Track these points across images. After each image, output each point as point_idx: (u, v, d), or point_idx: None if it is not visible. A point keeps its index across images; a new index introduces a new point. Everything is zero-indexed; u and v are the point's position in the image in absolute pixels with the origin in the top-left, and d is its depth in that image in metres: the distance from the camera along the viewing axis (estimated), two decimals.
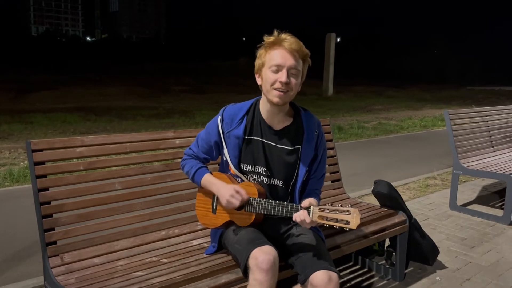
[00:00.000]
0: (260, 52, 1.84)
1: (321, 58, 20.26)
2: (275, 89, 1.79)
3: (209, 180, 1.93)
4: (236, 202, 1.82)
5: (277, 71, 1.78)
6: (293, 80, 1.79)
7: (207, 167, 2.01)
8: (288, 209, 1.78)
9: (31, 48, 50.36)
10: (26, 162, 5.97)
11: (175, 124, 10.72)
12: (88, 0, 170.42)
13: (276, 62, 1.77)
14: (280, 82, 1.76)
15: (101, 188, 2.11)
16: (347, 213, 1.64)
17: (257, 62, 1.85)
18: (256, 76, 1.89)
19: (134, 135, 2.30)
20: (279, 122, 1.92)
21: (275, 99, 1.80)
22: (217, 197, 1.97)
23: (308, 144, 1.94)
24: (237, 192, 1.82)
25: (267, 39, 1.81)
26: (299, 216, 1.72)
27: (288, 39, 1.77)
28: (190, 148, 2.06)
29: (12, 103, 14.86)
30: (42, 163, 1.97)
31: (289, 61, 1.77)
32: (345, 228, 1.65)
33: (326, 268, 1.74)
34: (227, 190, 1.83)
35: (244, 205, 1.87)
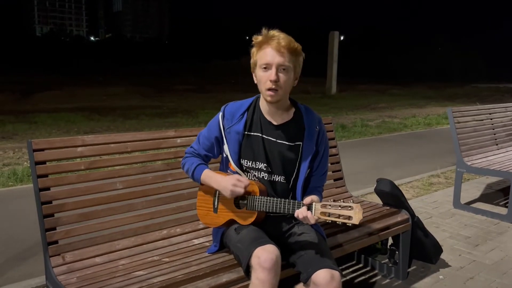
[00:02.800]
0: (252, 51, 1.86)
1: (324, 56, 20.21)
2: (266, 88, 1.81)
3: (208, 175, 1.93)
4: (240, 190, 1.82)
5: (266, 70, 1.80)
6: (282, 77, 1.80)
7: (206, 164, 2.01)
8: (290, 206, 1.77)
9: (35, 48, 50.54)
10: (29, 161, 5.98)
11: (179, 123, 10.73)
12: (91, 0, 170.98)
13: (265, 60, 1.79)
14: (270, 80, 1.78)
15: (102, 188, 2.11)
16: (349, 208, 1.64)
17: (251, 62, 1.88)
18: (253, 75, 1.90)
19: (135, 134, 2.30)
20: (279, 118, 1.93)
21: (268, 98, 1.83)
22: (218, 196, 1.97)
23: (309, 141, 1.94)
24: (238, 180, 1.82)
25: (256, 38, 1.83)
26: (301, 212, 1.72)
27: (276, 36, 1.78)
28: (191, 146, 2.06)
29: (17, 103, 14.92)
30: (43, 162, 1.97)
31: (277, 58, 1.78)
32: (347, 224, 1.64)
33: (328, 266, 1.73)
34: (228, 181, 1.84)
35: (246, 202, 1.87)
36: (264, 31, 1.82)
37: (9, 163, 6.13)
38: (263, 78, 1.81)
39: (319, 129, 1.97)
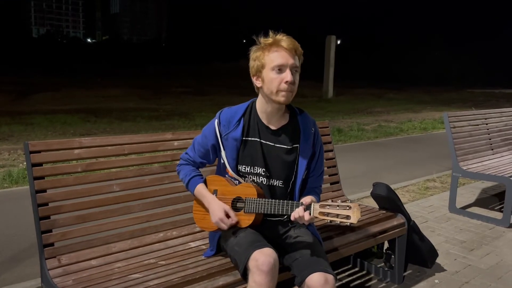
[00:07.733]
0: (257, 54, 1.85)
1: (321, 60, 20.25)
2: (281, 89, 1.80)
3: (201, 193, 1.95)
4: (224, 227, 1.87)
5: (280, 72, 1.80)
6: (296, 78, 1.83)
7: (201, 175, 2.02)
8: (288, 207, 1.78)
9: (32, 49, 50.36)
10: (25, 163, 5.96)
11: (175, 125, 10.72)
12: (89, 2, 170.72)
13: (278, 62, 1.79)
14: (286, 82, 1.79)
15: (99, 190, 2.11)
16: (347, 208, 1.65)
17: (255, 64, 1.85)
18: (254, 78, 1.88)
19: (133, 136, 2.29)
20: (276, 122, 1.93)
21: (282, 99, 1.82)
22: None
23: (306, 142, 1.95)
24: (227, 214, 1.86)
25: (265, 41, 1.83)
26: (297, 212, 1.72)
27: (285, 39, 1.81)
28: (186, 153, 2.06)
29: (13, 104, 14.86)
30: (40, 164, 1.97)
31: (291, 60, 1.80)
32: (346, 224, 1.65)
33: (322, 270, 1.74)
34: (217, 211, 1.87)
35: (244, 205, 1.88)
36: (271, 34, 1.83)
37: (5, 165, 6.11)
38: (275, 80, 1.80)
39: (314, 130, 1.99)
